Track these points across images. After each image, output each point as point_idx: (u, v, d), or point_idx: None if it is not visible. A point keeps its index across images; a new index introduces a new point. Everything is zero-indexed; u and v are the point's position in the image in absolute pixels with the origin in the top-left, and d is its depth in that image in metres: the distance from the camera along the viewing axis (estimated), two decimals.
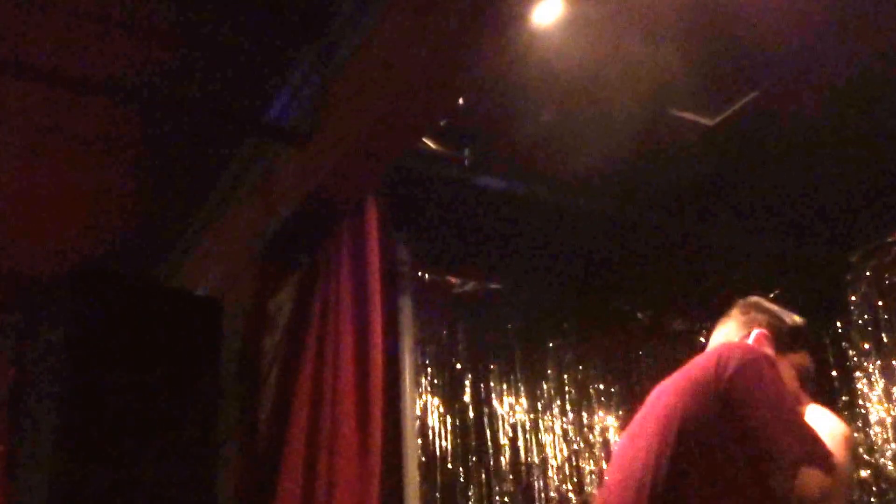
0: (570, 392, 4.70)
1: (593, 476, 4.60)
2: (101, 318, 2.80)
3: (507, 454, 4.44)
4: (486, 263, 4.24)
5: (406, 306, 3.66)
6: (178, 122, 3.23)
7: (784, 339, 2.34)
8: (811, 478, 1.95)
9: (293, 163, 3.25)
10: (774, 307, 2.43)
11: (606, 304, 4.77)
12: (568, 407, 4.67)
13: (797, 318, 2.41)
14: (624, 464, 2.29)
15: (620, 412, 4.78)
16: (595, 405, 4.75)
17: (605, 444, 4.69)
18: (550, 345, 4.75)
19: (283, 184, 3.33)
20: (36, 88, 2.86)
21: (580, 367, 4.76)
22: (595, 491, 4.56)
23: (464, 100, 3.20)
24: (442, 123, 3.34)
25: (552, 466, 4.52)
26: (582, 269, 4.24)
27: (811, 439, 2.00)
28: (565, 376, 4.73)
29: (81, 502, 2.61)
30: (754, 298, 2.47)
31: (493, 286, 4.40)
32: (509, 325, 4.62)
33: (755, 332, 2.34)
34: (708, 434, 2.10)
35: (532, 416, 4.57)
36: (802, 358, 2.35)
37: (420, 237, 3.76)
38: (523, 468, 4.46)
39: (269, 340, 3.30)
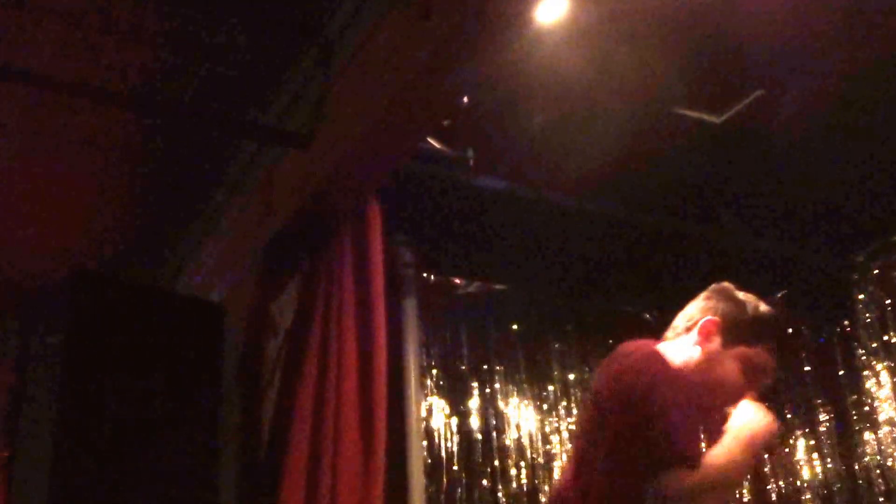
0: (575, 393, 4.67)
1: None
2: (101, 323, 2.78)
3: (513, 456, 4.42)
4: (490, 265, 4.22)
5: (410, 308, 3.65)
6: (177, 125, 3.21)
7: (737, 330, 2.26)
8: (671, 478, 1.92)
9: (294, 165, 3.23)
10: (742, 297, 2.34)
11: (611, 304, 4.74)
12: (573, 408, 4.64)
13: (763, 311, 2.31)
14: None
15: None
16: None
17: None
18: (556, 346, 4.72)
19: (283, 186, 3.31)
20: (34, 93, 2.84)
21: (585, 368, 4.73)
22: None
23: (467, 100, 3.18)
24: (445, 123, 3.31)
25: (557, 468, 4.50)
26: (587, 270, 4.21)
27: (676, 438, 1.97)
28: (570, 377, 4.71)
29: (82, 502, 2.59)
30: (724, 285, 2.40)
31: (498, 287, 4.38)
32: (514, 326, 4.60)
33: (704, 319, 2.30)
34: (593, 440, 2.13)
35: (537, 417, 4.55)
36: (757, 353, 2.26)
37: (423, 239, 3.74)
38: (528, 470, 4.43)
39: (272, 344, 3.28)
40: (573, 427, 4.60)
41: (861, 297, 4.44)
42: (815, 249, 4.44)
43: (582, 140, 3.51)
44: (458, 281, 4.21)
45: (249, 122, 3.16)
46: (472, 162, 3.50)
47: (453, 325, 4.31)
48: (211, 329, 3.04)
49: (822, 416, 4.59)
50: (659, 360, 2.19)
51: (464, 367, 4.32)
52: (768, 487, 4.68)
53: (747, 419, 2.13)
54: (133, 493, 2.68)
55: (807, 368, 4.68)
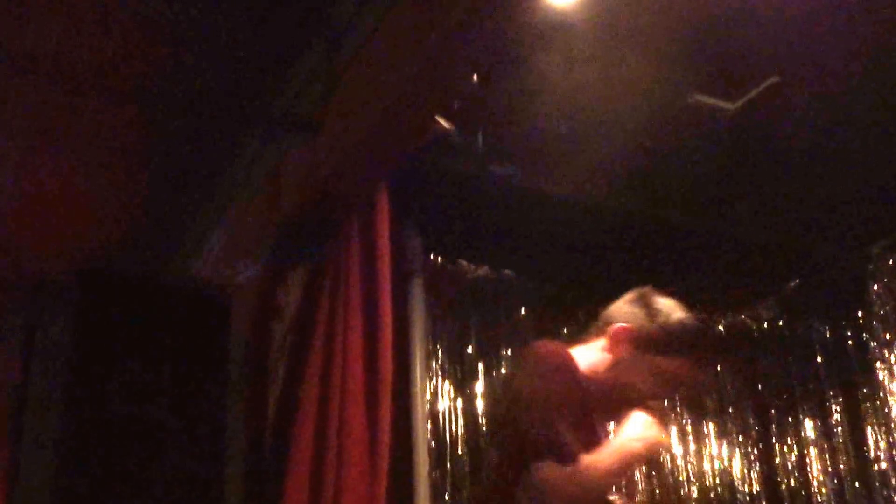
0: None
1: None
2: (106, 319, 2.78)
3: None
4: (499, 251, 4.19)
5: (417, 294, 3.62)
6: (185, 116, 3.19)
7: (647, 339, 2.24)
8: (540, 467, 1.94)
9: (302, 155, 3.21)
10: (659, 304, 2.31)
11: (622, 292, 4.70)
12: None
13: (674, 322, 2.26)
14: None
15: None
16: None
17: None
18: (564, 331, 4.69)
19: (291, 176, 3.29)
20: (38, 87, 2.82)
21: None
22: None
23: (476, 88, 3.14)
24: (455, 106, 3.28)
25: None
26: (596, 258, 4.18)
27: (547, 432, 1.97)
28: None
29: (86, 501, 2.59)
30: (645, 290, 2.37)
31: (506, 273, 4.35)
32: (522, 312, 4.57)
33: (616, 325, 2.28)
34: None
35: None
36: (670, 363, 2.22)
37: (432, 225, 3.71)
38: None
39: (278, 333, 3.27)
40: None
41: (876, 288, 4.39)
42: (830, 240, 4.39)
43: (593, 127, 3.47)
44: (466, 267, 4.18)
45: (258, 111, 3.14)
46: (480, 148, 3.46)
47: (461, 309, 4.28)
48: (218, 318, 3.03)
49: (835, 409, 4.55)
50: (558, 359, 2.19)
51: (471, 351, 4.29)
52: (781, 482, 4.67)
53: (634, 433, 2.10)
54: (138, 485, 2.68)
55: (819, 360, 4.64)
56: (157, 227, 3.78)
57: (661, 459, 2.20)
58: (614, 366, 2.25)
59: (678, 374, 2.24)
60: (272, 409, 3.18)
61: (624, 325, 2.28)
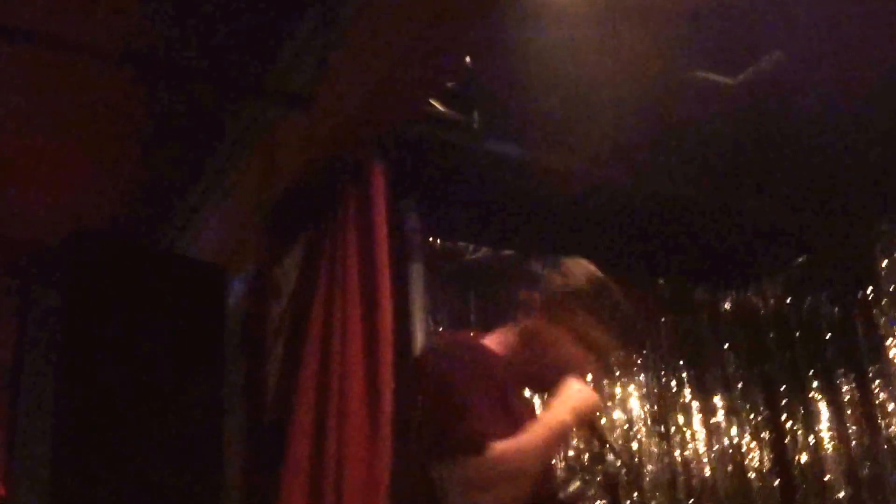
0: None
1: (617, 445, 4.54)
2: (101, 284, 2.78)
3: None
4: (499, 230, 4.17)
5: (416, 273, 3.61)
6: (179, 87, 3.18)
7: (555, 303, 2.17)
8: (455, 464, 1.86)
9: (296, 127, 3.20)
10: (569, 266, 2.24)
11: (626, 273, 4.67)
12: (588, 376, 4.59)
13: (576, 281, 2.20)
14: None
15: (643, 382, 4.71)
16: (617, 375, 4.67)
17: (627, 414, 4.62)
18: None
19: (286, 149, 3.28)
20: (34, 54, 2.83)
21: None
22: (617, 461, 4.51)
23: (472, 63, 3.12)
24: (450, 86, 3.26)
25: (573, 436, 4.46)
26: (598, 236, 4.15)
27: (462, 422, 1.89)
28: None
29: (83, 474, 2.60)
30: (564, 258, 2.29)
31: (507, 253, 4.32)
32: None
33: (527, 293, 2.23)
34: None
35: None
36: (582, 323, 2.15)
37: (430, 204, 3.69)
38: None
39: (275, 308, 3.27)
40: None
41: (884, 264, 4.35)
42: (838, 217, 4.34)
43: (593, 103, 3.44)
44: (465, 246, 4.16)
45: (251, 83, 3.13)
46: (476, 126, 3.44)
47: (461, 289, 4.26)
48: (213, 291, 3.04)
49: (844, 386, 4.52)
50: (459, 345, 2.17)
51: (472, 333, 4.28)
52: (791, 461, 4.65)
53: (561, 401, 2.03)
54: (134, 458, 2.69)
55: (828, 336, 4.60)
56: (152, 197, 3.78)
57: (597, 422, 2.08)
58: (527, 338, 2.19)
59: (589, 334, 2.17)
60: (270, 386, 3.18)
61: (533, 293, 2.23)
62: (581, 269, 2.25)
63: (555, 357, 2.15)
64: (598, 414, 2.21)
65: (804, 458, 4.61)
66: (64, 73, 3.05)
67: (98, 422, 2.72)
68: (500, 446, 1.88)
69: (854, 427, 4.46)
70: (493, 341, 2.23)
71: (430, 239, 3.89)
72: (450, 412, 1.93)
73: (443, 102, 3.32)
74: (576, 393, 2.06)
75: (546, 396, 2.19)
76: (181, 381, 2.90)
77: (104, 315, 2.76)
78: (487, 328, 4.22)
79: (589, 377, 2.18)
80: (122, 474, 2.73)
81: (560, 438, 2.06)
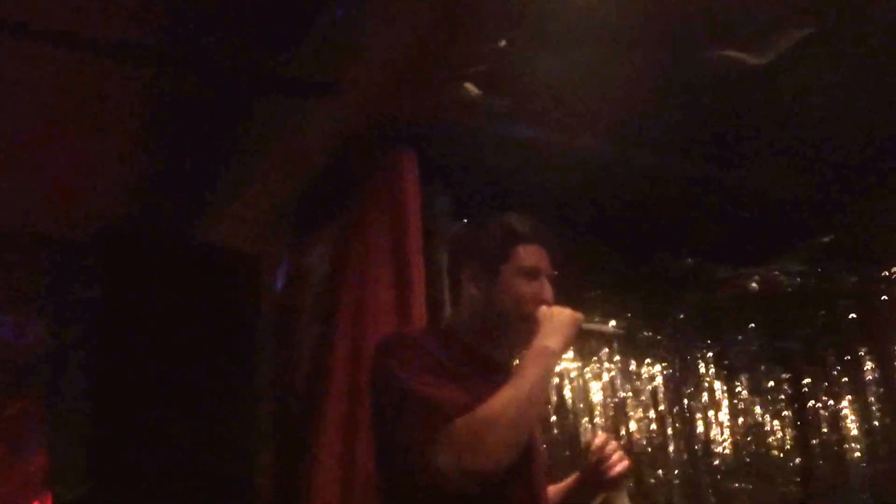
0: (614, 341, 4.64)
1: (640, 424, 4.56)
2: (135, 277, 2.78)
3: (553, 401, 4.40)
4: (528, 212, 4.15)
5: (446, 256, 3.60)
6: (206, 77, 3.16)
7: (489, 253, 2.15)
8: (444, 443, 1.80)
9: (325, 114, 3.18)
10: (479, 224, 2.24)
11: (651, 251, 4.67)
12: (615, 356, 4.62)
13: (497, 223, 2.18)
14: None
15: (667, 360, 4.73)
16: (641, 354, 4.69)
17: (653, 392, 4.64)
18: (594, 293, 4.68)
19: (315, 136, 3.26)
20: (61, 52, 2.81)
21: (628, 315, 4.68)
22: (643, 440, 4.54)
23: (503, 47, 3.10)
24: (479, 70, 3.24)
25: (598, 414, 4.49)
26: (623, 218, 4.15)
27: (435, 404, 1.85)
28: (611, 324, 4.66)
29: (118, 461, 2.62)
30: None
31: None
32: (554, 273, 4.55)
33: (464, 269, 2.20)
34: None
35: (577, 364, 4.52)
36: (521, 258, 2.14)
37: (459, 187, 3.68)
38: (570, 416, 4.42)
39: (306, 297, 3.27)
40: (613, 374, 4.59)
41: None
42: (862, 194, 4.33)
43: (620, 86, 3.42)
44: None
45: (278, 70, 3.11)
46: (506, 110, 3.43)
47: None
48: (247, 281, 3.04)
49: (866, 364, 4.52)
50: (397, 337, 2.20)
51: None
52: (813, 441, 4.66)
53: (540, 335, 2.00)
54: (169, 446, 2.71)
55: (851, 315, 4.60)
56: (183, 190, 3.77)
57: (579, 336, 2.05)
58: (479, 305, 2.14)
59: (531, 265, 2.15)
60: (302, 373, 3.19)
61: (466, 260, 2.21)
62: (492, 218, 2.24)
63: (515, 301, 2.11)
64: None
65: (825, 436, 4.63)
66: (93, 68, 3.03)
67: (134, 410, 2.73)
68: (488, 401, 1.85)
69: (875, 405, 4.47)
70: (451, 320, 2.26)
71: (458, 222, 3.88)
72: (414, 392, 1.89)
73: (472, 86, 3.30)
74: (550, 318, 2.04)
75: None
76: (215, 369, 2.91)
77: (139, 307, 2.77)
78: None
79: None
80: (157, 461, 2.75)
81: (548, 371, 2.01)
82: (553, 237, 2.28)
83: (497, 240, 2.18)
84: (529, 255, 2.16)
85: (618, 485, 2.15)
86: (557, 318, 2.05)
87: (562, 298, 4.42)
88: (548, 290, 2.15)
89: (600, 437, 2.20)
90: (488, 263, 2.14)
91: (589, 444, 2.20)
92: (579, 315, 2.13)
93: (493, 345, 2.15)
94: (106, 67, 3.00)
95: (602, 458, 2.16)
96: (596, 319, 4.29)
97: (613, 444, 2.18)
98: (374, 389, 2.06)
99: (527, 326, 2.08)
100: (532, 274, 2.15)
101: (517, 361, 2.11)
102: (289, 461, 3.11)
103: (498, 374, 2.08)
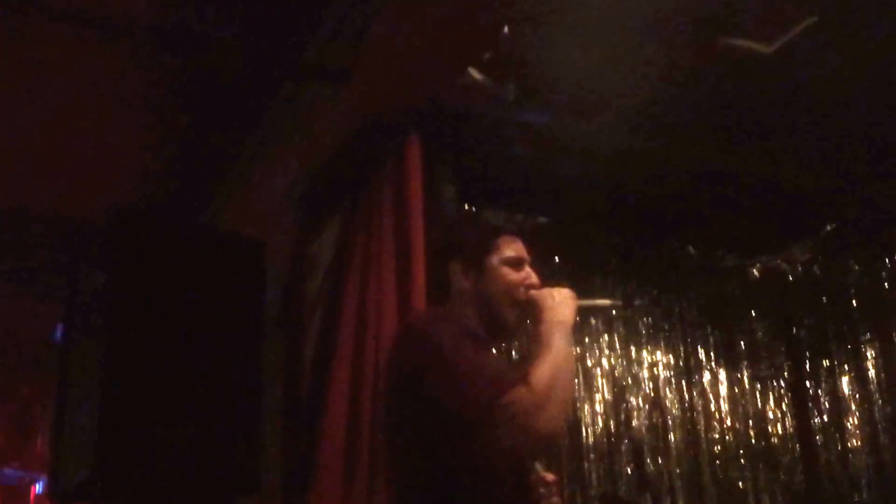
0: (617, 328, 4.65)
1: (641, 411, 4.57)
2: (145, 261, 2.79)
3: None
4: (532, 198, 4.17)
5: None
6: (217, 63, 3.17)
7: (474, 247, 2.24)
8: (507, 409, 1.86)
9: (333, 102, 3.19)
10: (461, 220, 2.30)
11: (657, 239, 4.68)
12: (616, 342, 4.62)
13: (477, 219, 2.26)
14: None
15: (670, 348, 4.73)
16: (643, 341, 4.69)
17: (654, 379, 4.65)
18: (598, 280, 4.68)
19: (323, 124, 3.28)
20: (73, 35, 2.81)
21: (636, 301, 4.69)
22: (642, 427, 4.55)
23: (508, 32, 3.10)
24: (485, 56, 3.24)
25: (598, 402, 4.50)
26: (630, 205, 4.15)
27: (489, 373, 1.92)
28: (613, 311, 4.67)
29: (127, 445, 2.64)
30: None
31: (540, 220, 4.33)
32: (556, 259, 4.56)
33: (451, 261, 2.26)
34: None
35: (579, 350, 4.53)
36: (503, 250, 2.22)
37: (465, 173, 3.69)
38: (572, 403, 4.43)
39: (312, 283, 3.28)
40: (614, 361, 4.60)
41: None
42: (867, 183, 4.33)
43: (625, 74, 3.42)
44: (500, 215, 4.16)
45: (289, 57, 3.12)
46: (511, 96, 3.43)
47: None
48: (253, 266, 3.05)
49: (869, 352, 4.53)
50: (435, 312, 2.23)
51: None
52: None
53: (547, 315, 2.08)
54: (179, 430, 2.72)
55: (855, 303, 4.60)
56: (192, 176, 3.79)
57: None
58: (477, 292, 2.20)
59: (513, 256, 2.23)
60: (308, 359, 3.21)
61: (454, 259, 2.26)
62: (472, 216, 2.35)
63: (505, 288, 2.19)
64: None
65: (827, 424, 4.63)
66: (104, 53, 3.04)
67: (142, 395, 2.75)
68: (535, 371, 1.93)
69: (878, 393, 4.47)
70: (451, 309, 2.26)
71: (466, 208, 3.90)
72: (458, 379, 1.93)
73: (479, 73, 3.30)
74: (551, 298, 2.13)
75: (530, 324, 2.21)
76: (222, 355, 2.93)
77: (149, 291, 2.78)
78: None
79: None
80: (165, 446, 2.76)
81: (569, 341, 2.08)
82: (527, 229, 2.37)
83: (480, 233, 2.31)
84: (511, 245, 2.26)
85: None
86: (558, 296, 2.15)
87: (570, 283, 4.44)
88: (533, 275, 2.25)
89: (548, 475, 2.24)
90: (474, 257, 2.23)
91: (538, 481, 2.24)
92: (572, 292, 2.22)
93: (488, 333, 2.21)
94: (118, 54, 3.01)
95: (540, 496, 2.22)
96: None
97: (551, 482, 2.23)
98: (415, 364, 2.05)
99: (519, 311, 2.20)
100: (516, 262, 2.24)
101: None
102: (295, 445, 3.13)
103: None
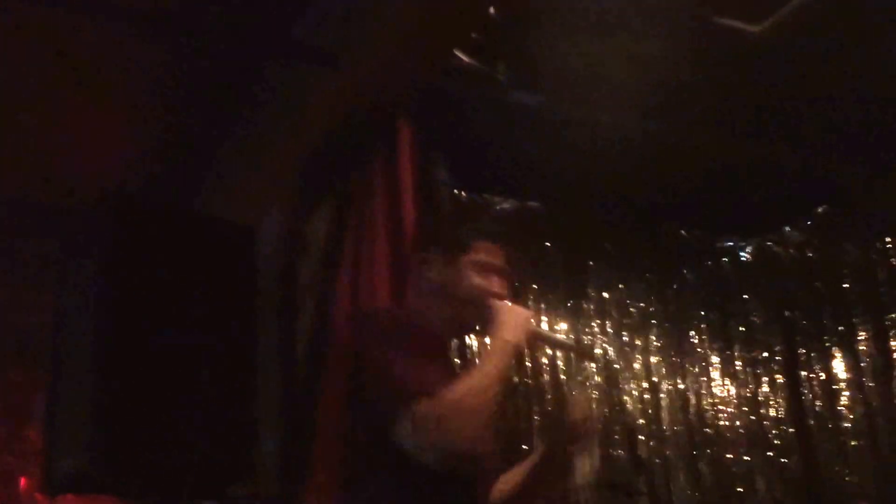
0: (610, 311, 4.65)
1: (633, 396, 4.58)
2: (134, 247, 2.76)
3: (547, 374, 4.41)
4: (526, 182, 4.16)
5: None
6: (207, 46, 3.15)
7: (450, 243, 2.25)
8: (408, 419, 1.89)
9: (324, 85, 3.18)
10: (459, 215, 2.31)
11: (650, 222, 4.68)
12: (608, 326, 4.62)
13: (460, 217, 2.26)
14: None
15: (662, 332, 4.74)
16: (636, 325, 4.70)
17: (646, 364, 4.65)
18: (591, 264, 4.68)
19: (315, 106, 3.26)
20: (61, 18, 2.79)
21: (621, 287, 4.70)
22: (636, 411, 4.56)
23: (497, 14, 3.09)
24: (475, 38, 3.23)
25: (591, 386, 4.50)
26: (625, 188, 4.15)
27: (400, 381, 1.95)
28: (605, 295, 4.67)
29: (121, 433, 2.62)
30: None
31: (533, 205, 4.33)
32: (549, 244, 4.56)
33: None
34: None
35: (572, 335, 4.53)
36: (478, 253, 2.20)
37: (458, 157, 3.68)
38: (564, 388, 4.43)
39: (305, 266, 3.28)
40: (607, 345, 4.60)
41: None
42: (861, 164, 4.33)
43: (614, 55, 3.41)
44: (491, 199, 4.16)
45: (279, 40, 3.10)
46: (502, 78, 3.42)
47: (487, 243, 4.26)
48: (243, 251, 3.03)
49: (861, 334, 4.53)
50: (379, 312, 2.27)
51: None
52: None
53: (497, 329, 2.07)
54: (173, 419, 2.70)
55: (847, 285, 4.61)
56: (184, 160, 3.77)
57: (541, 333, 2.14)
58: (439, 289, 2.22)
59: (486, 260, 2.21)
60: (302, 345, 3.20)
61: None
62: (456, 212, 2.35)
63: (467, 290, 2.18)
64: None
65: (820, 406, 4.64)
66: (92, 36, 3.02)
67: (135, 384, 2.72)
68: (456, 385, 1.94)
69: (871, 375, 4.47)
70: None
71: (458, 192, 3.89)
72: (382, 378, 1.99)
73: (469, 56, 3.29)
74: (507, 314, 2.11)
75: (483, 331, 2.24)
76: (215, 342, 2.90)
77: (139, 277, 2.75)
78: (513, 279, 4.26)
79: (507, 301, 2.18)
80: (159, 434, 2.74)
81: (507, 364, 2.08)
82: (510, 237, 2.37)
83: (460, 232, 2.33)
84: (487, 250, 2.24)
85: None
86: (514, 315, 2.14)
87: (564, 268, 4.44)
88: (502, 286, 2.22)
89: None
90: (448, 252, 2.23)
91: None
92: (531, 314, 2.23)
93: (447, 329, 2.26)
94: (106, 37, 2.99)
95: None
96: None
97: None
98: (355, 357, 2.13)
99: (478, 316, 2.18)
100: (487, 268, 2.22)
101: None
102: (291, 432, 3.13)
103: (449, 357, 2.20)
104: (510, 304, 2.17)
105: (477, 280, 2.18)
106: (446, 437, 1.90)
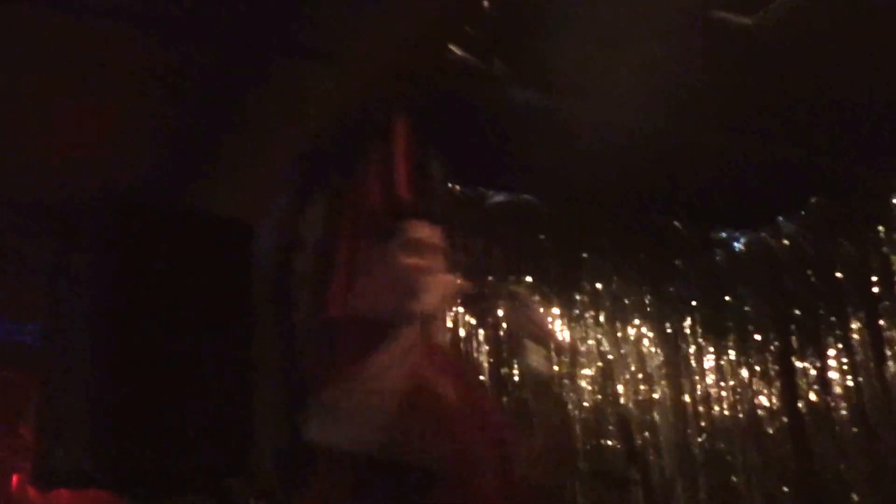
0: (604, 303, 4.65)
1: (627, 387, 4.59)
2: (131, 245, 2.77)
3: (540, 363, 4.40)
4: (520, 175, 4.16)
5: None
6: (205, 44, 3.13)
7: (379, 230, 2.18)
8: (323, 405, 1.81)
9: (322, 83, 3.18)
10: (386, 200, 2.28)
11: (643, 214, 4.68)
12: (601, 318, 4.63)
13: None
14: None
15: (656, 323, 4.75)
16: (630, 317, 4.70)
17: (640, 356, 4.66)
18: (585, 255, 4.69)
19: (312, 104, 3.26)
20: (60, 17, 2.77)
21: (615, 279, 4.70)
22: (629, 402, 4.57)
23: (491, 8, 3.08)
24: (469, 30, 3.22)
25: (584, 377, 4.51)
26: (618, 180, 4.14)
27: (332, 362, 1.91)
28: (598, 286, 4.68)
29: (119, 432, 2.62)
30: None
31: (527, 198, 4.32)
32: (543, 237, 4.56)
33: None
34: None
35: (565, 327, 4.54)
36: (407, 232, 2.10)
37: (452, 151, 3.68)
38: (556, 380, 4.44)
39: (301, 262, 3.27)
40: (600, 337, 4.60)
41: None
42: (854, 156, 4.34)
43: (608, 49, 3.40)
44: (486, 193, 4.16)
45: (277, 38, 3.09)
46: (497, 72, 3.41)
47: (483, 235, 4.27)
48: (239, 247, 3.03)
49: (854, 324, 4.54)
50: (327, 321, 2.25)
51: (492, 278, 4.28)
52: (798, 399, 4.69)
53: (405, 306, 2.00)
54: (170, 416, 2.71)
55: (840, 276, 4.62)
56: (182, 157, 3.75)
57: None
58: (373, 276, 2.17)
59: (428, 240, 2.12)
60: (299, 340, 3.20)
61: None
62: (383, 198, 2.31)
63: (395, 271, 2.09)
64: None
65: (814, 396, 4.66)
66: (90, 34, 2.99)
67: (131, 377, 2.73)
68: (361, 367, 1.81)
69: (864, 366, 4.49)
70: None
71: (452, 185, 3.88)
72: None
73: (463, 50, 3.28)
74: (428, 285, 2.03)
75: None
76: (211, 336, 2.91)
77: (136, 275, 2.76)
78: (507, 272, 4.25)
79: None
80: (156, 431, 2.74)
81: (413, 335, 1.94)
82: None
83: (386, 216, 2.25)
84: (419, 229, 2.13)
85: None
86: (434, 284, 2.05)
87: (557, 260, 4.43)
88: (434, 262, 2.11)
89: None
90: (378, 240, 2.17)
91: None
92: (453, 279, 2.14)
93: (397, 319, 2.07)
94: (105, 35, 2.97)
95: None
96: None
97: None
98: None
99: (407, 296, 2.06)
100: (417, 247, 2.11)
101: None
102: (288, 426, 3.12)
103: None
104: (433, 275, 2.06)
105: (407, 260, 2.08)
106: (355, 424, 1.77)
